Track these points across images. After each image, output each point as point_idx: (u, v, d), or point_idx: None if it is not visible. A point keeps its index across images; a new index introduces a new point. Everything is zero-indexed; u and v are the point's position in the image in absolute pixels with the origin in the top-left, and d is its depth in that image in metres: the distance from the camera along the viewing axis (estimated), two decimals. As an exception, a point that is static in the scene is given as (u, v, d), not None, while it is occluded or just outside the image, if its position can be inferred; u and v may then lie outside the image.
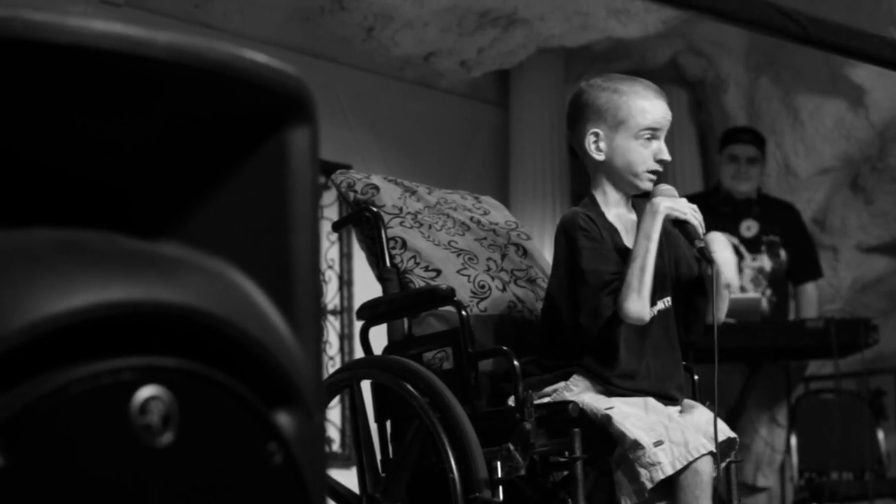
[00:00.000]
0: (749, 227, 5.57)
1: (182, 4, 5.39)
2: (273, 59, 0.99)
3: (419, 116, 6.37)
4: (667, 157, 2.84)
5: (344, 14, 5.70)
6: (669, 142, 2.93)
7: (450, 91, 6.51)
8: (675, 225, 2.76)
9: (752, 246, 5.52)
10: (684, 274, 2.90)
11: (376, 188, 3.12)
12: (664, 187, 2.81)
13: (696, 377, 3.01)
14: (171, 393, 0.89)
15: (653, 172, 2.83)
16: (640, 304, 2.67)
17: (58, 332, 0.84)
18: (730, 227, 5.44)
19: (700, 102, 7.05)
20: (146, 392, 0.88)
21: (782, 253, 5.57)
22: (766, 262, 5.53)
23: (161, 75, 0.93)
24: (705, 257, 2.72)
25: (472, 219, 3.25)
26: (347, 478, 3.01)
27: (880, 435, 5.53)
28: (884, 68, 3.16)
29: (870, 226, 6.95)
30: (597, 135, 2.85)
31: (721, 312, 2.78)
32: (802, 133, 6.61)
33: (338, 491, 2.90)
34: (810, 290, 5.70)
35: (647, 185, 2.84)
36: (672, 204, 2.73)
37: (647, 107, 2.82)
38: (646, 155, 2.81)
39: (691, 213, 2.74)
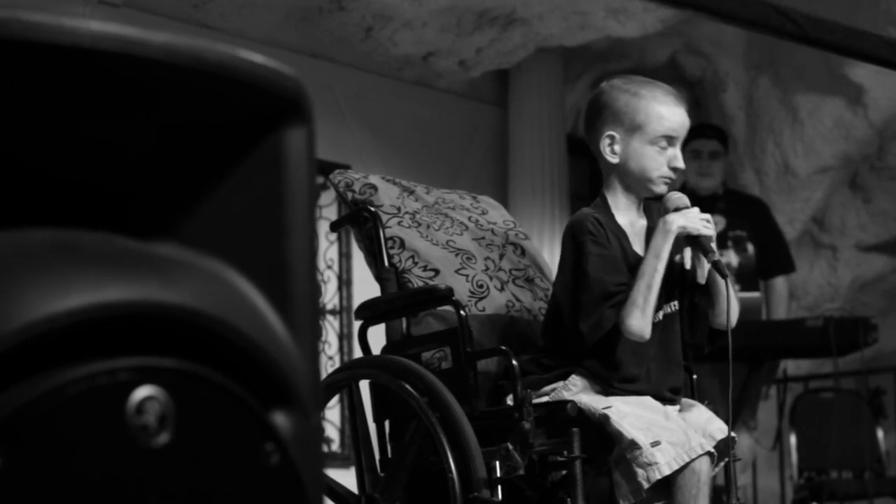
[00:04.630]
0: (715, 223, 5.56)
1: (180, 5, 5.39)
2: (270, 60, 0.99)
3: (417, 116, 6.37)
4: (681, 164, 2.81)
5: (342, 14, 5.70)
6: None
7: (448, 91, 6.51)
8: (688, 240, 2.74)
9: (718, 241, 5.48)
10: (691, 276, 2.87)
11: (374, 188, 3.12)
12: (675, 195, 2.79)
13: (694, 376, 3.01)
14: (168, 393, 0.89)
15: (666, 178, 2.82)
16: (642, 321, 2.67)
17: (54, 332, 0.84)
18: None
19: (699, 101, 7.06)
20: (143, 392, 0.88)
21: (750, 248, 5.55)
22: (732, 257, 5.50)
23: (157, 76, 0.93)
24: (719, 271, 2.71)
25: (470, 218, 3.25)
26: (346, 478, 3.01)
27: (880, 434, 5.53)
28: (882, 67, 3.16)
29: (869, 225, 6.96)
30: (612, 137, 2.83)
31: (733, 318, 2.77)
32: (801, 132, 6.62)
33: (336, 491, 2.90)
34: (780, 284, 5.67)
35: (661, 190, 2.82)
36: (684, 222, 2.72)
37: (665, 113, 2.80)
38: (660, 161, 2.79)
39: (703, 227, 2.73)
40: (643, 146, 2.80)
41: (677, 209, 2.75)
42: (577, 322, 2.72)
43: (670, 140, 2.80)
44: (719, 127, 5.85)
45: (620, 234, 2.82)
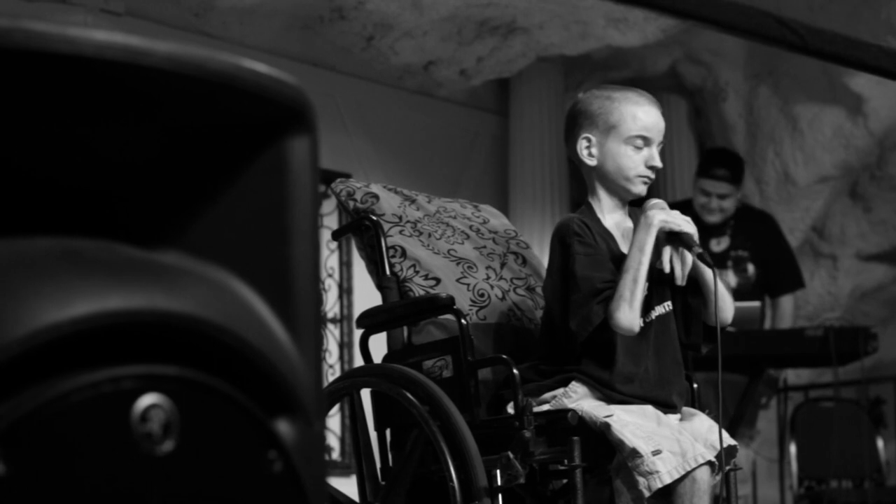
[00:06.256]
0: (719, 242, 5.53)
1: (182, 14, 5.40)
2: (272, 69, 0.99)
3: (419, 125, 6.38)
4: (657, 163, 2.85)
5: (343, 23, 5.71)
6: (668, 150, 2.94)
7: (449, 100, 6.52)
8: (669, 238, 2.76)
9: (718, 261, 5.46)
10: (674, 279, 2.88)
11: (376, 197, 3.13)
12: (655, 201, 2.82)
13: (695, 385, 3.01)
14: (172, 401, 0.89)
15: (644, 178, 2.85)
16: (630, 315, 2.68)
17: (59, 340, 0.84)
18: (700, 241, 5.39)
19: (699, 110, 7.06)
20: (147, 400, 0.88)
21: (750, 268, 5.52)
22: (730, 277, 5.48)
23: (161, 85, 0.93)
24: (705, 262, 2.73)
25: (471, 227, 3.26)
26: (347, 486, 3.01)
27: (880, 443, 5.53)
28: (882, 77, 3.16)
29: (869, 234, 6.96)
30: (589, 140, 2.87)
31: (725, 313, 2.80)
32: (801, 142, 6.62)
33: (338, 499, 2.90)
34: (786, 303, 5.64)
35: (640, 190, 2.86)
36: (666, 217, 2.75)
37: (639, 113, 2.84)
38: (637, 160, 2.83)
39: (685, 224, 2.76)
40: (618, 146, 2.84)
41: None
42: (567, 321, 2.73)
43: (645, 140, 2.84)
44: (734, 162, 5.57)
45: (607, 237, 2.85)
